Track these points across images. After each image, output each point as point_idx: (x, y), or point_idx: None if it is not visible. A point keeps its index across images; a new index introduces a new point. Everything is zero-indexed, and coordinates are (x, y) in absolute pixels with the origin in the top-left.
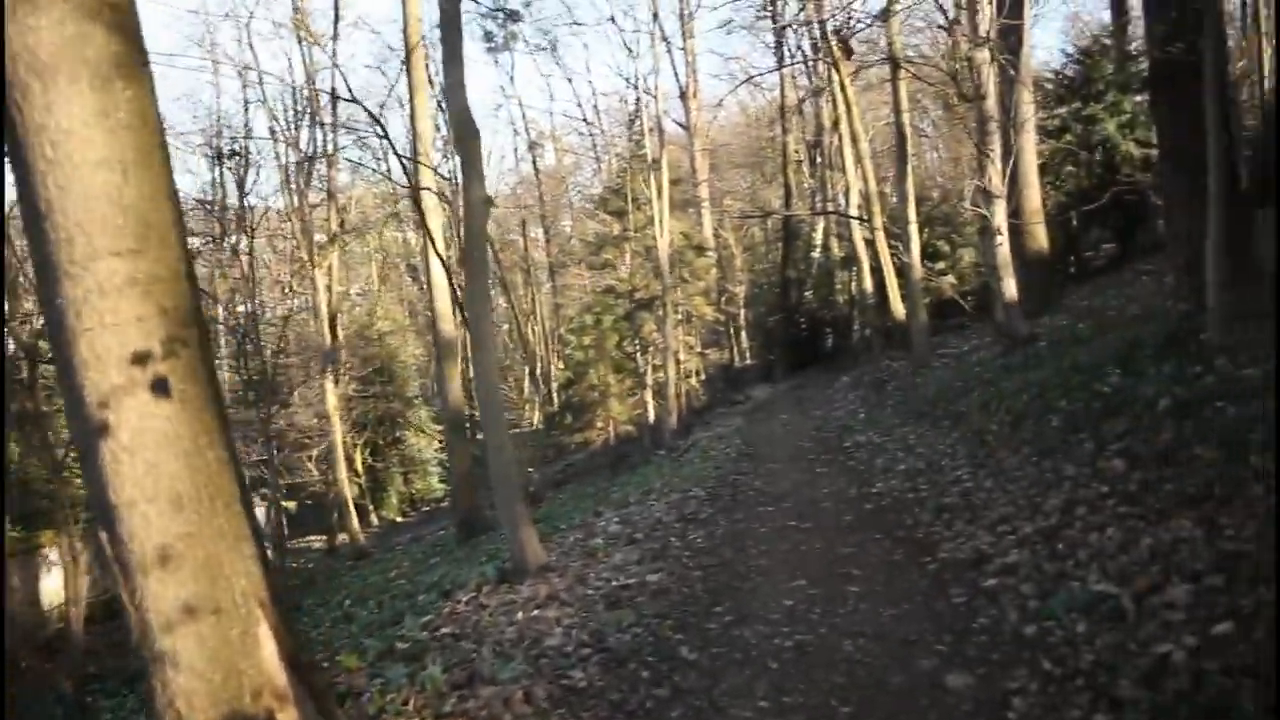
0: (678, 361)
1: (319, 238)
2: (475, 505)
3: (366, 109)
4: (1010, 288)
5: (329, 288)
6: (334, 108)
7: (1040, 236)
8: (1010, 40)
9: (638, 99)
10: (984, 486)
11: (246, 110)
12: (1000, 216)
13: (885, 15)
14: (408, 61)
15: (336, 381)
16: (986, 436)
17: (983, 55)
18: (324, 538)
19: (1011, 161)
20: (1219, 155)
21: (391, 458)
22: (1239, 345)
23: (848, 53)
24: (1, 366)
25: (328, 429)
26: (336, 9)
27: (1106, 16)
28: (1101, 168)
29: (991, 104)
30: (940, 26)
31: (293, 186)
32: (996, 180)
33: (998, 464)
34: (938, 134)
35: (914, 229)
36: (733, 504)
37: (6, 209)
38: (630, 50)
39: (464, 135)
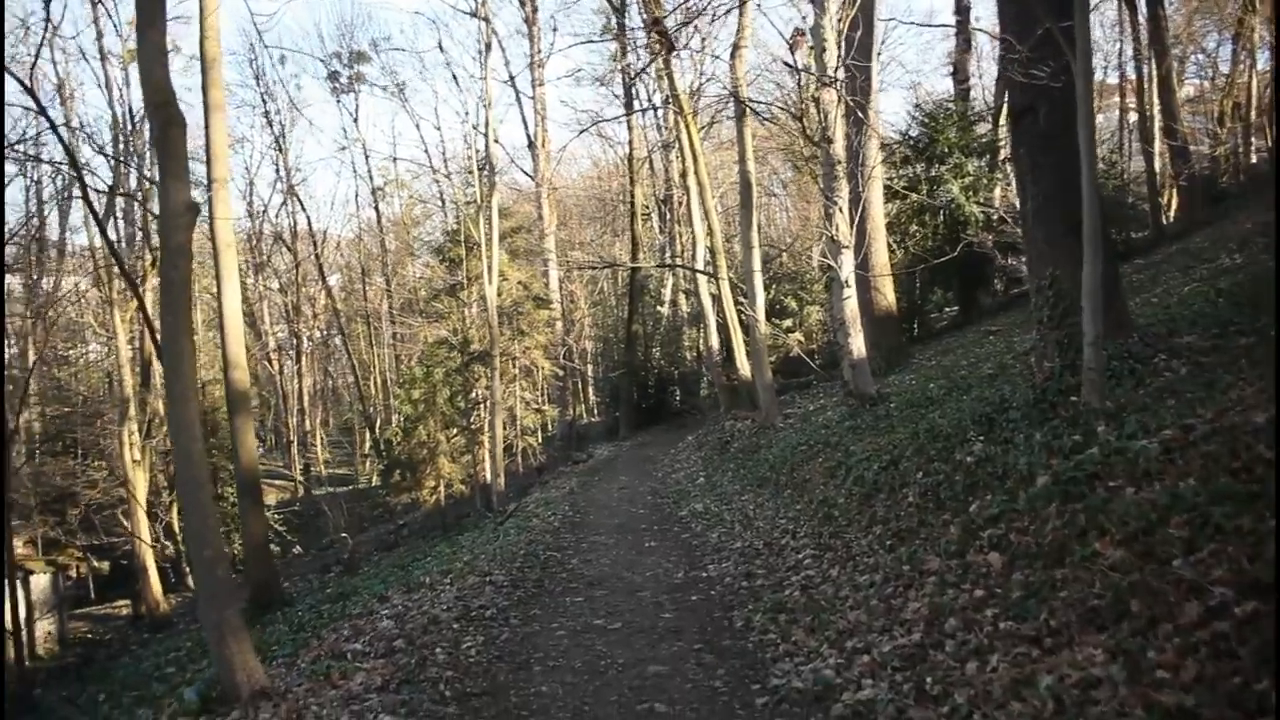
0: (513, 418)
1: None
2: (270, 578)
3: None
4: (858, 344)
5: (141, 333)
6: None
7: (888, 292)
8: (859, 81)
9: (483, 140)
10: (830, 577)
11: None
12: (848, 267)
13: (733, 53)
14: (204, 78)
15: (148, 434)
16: (833, 511)
17: (829, 96)
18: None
19: (860, 212)
20: (1092, 198)
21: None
22: (1119, 410)
23: (669, 46)
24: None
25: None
26: None
27: (945, 85)
28: (946, 228)
29: (839, 148)
30: (786, 64)
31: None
32: (844, 229)
33: (846, 547)
34: (786, 194)
35: (758, 278)
36: (536, 592)
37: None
38: (456, 80)
39: (165, 122)
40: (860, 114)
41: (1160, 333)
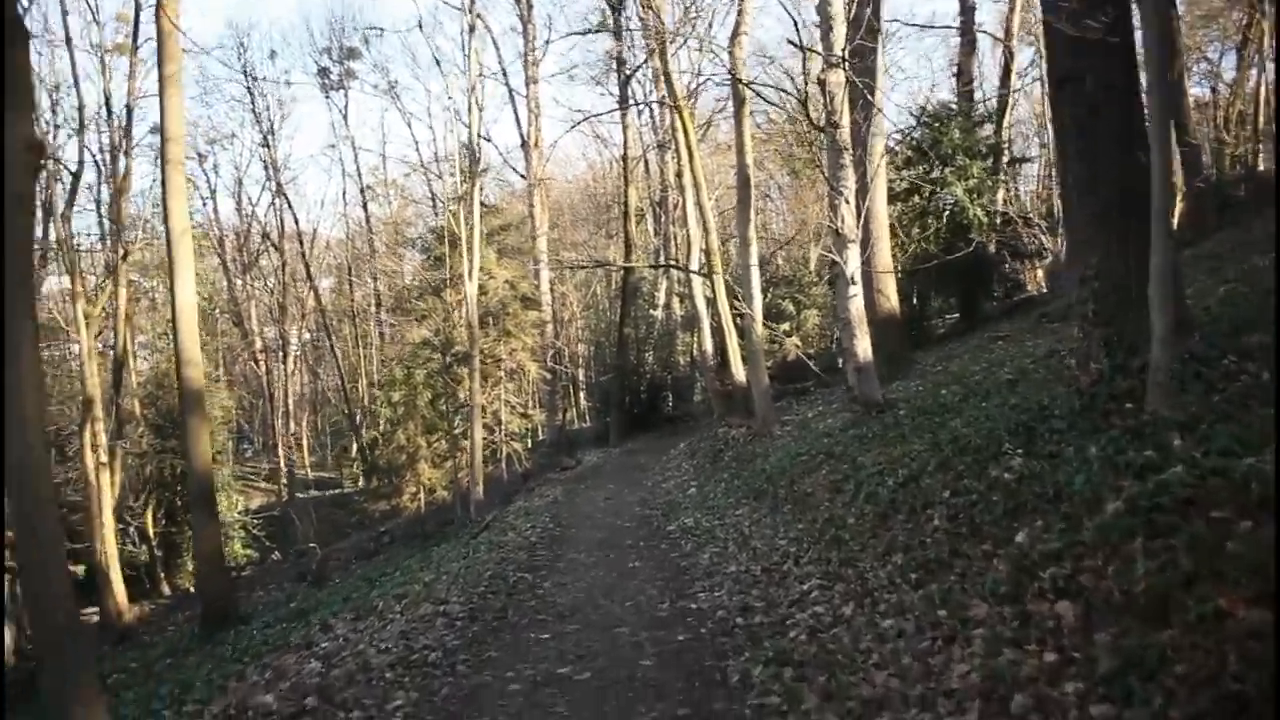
0: (499, 422)
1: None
2: (225, 592)
3: None
4: (864, 346)
5: (112, 329)
6: None
7: (891, 295)
8: (867, 61)
9: (466, 130)
10: (843, 617)
11: None
12: (854, 263)
13: (732, 38)
14: (160, 50)
15: (120, 435)
16: (842, 533)
17: (836, 77)
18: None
19: (866, 205)
20: (1163, 168)
21: (188, 521)
22: (1195, 420)
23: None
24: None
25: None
26: None
27: (942, 94)
28: (949, 231)
29: (846, 134)
30: (791, 43)
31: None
32: (850, 221)
33: (860, 579)
34: (782, 198)
35: (756, 275)
36: (496, 626)
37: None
38: (439, 65)
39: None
40: (868, 95)
41: (1224, 331)
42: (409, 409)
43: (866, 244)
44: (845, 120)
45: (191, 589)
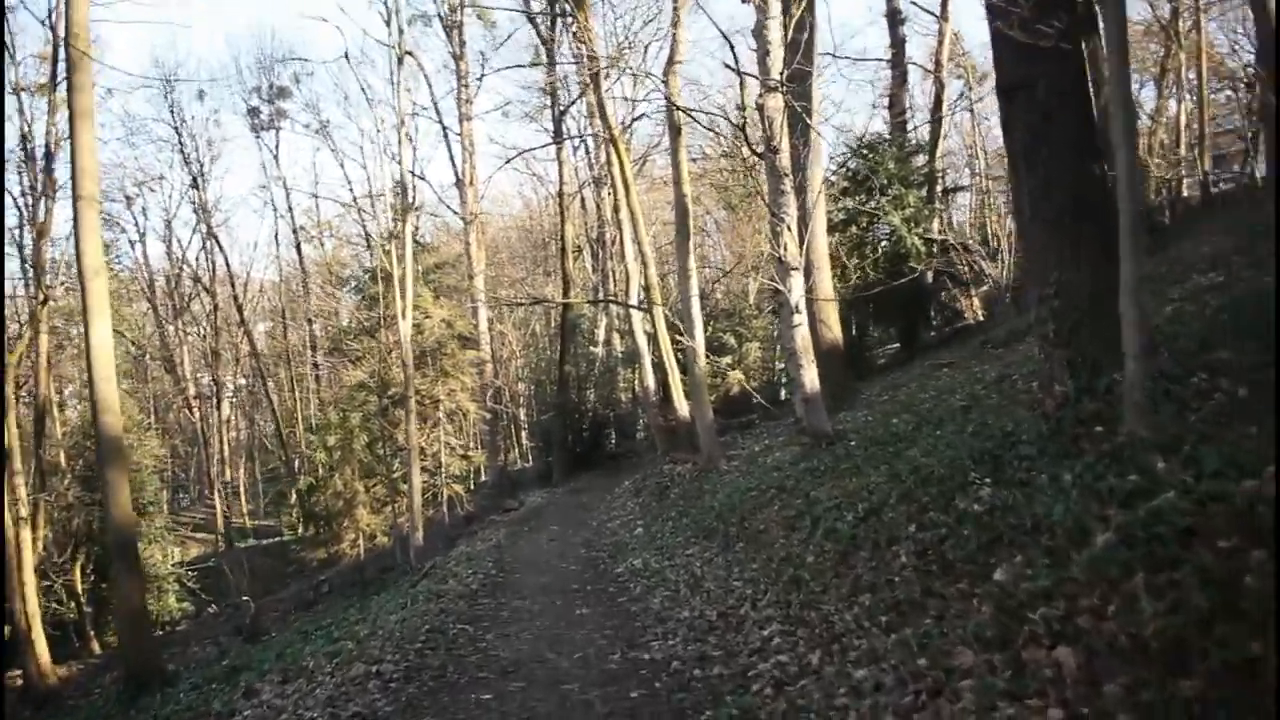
0: (439, 464)
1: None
2: (148, 653)
3: None
4: (811, 376)
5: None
6: None
7: (834, 325)
8: (804, 86)
9: (398, 166)
10: (811, 668)
11: None
12: (798, 291)
13: (667, 67)
14: (70, 78)
15: (44, 487)
16: (801, 572)
17: (775, 102)
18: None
19: (808, 232)
20: (1130, 177)
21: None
22: (1176, 441)
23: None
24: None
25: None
26: None
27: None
28: (887, 260)
29: (785, 158)
30: (728, 67)
31: None
32: (793, 248)
33: (825, 622)
34: (719, 232)
35: (697, 306)
36: (434, 687)
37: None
38: (368, 95)
39: None
40: (806, 119)
41: (1187, 349)
42: (345, 453)
43: (809, 272)
44: (785, 145)
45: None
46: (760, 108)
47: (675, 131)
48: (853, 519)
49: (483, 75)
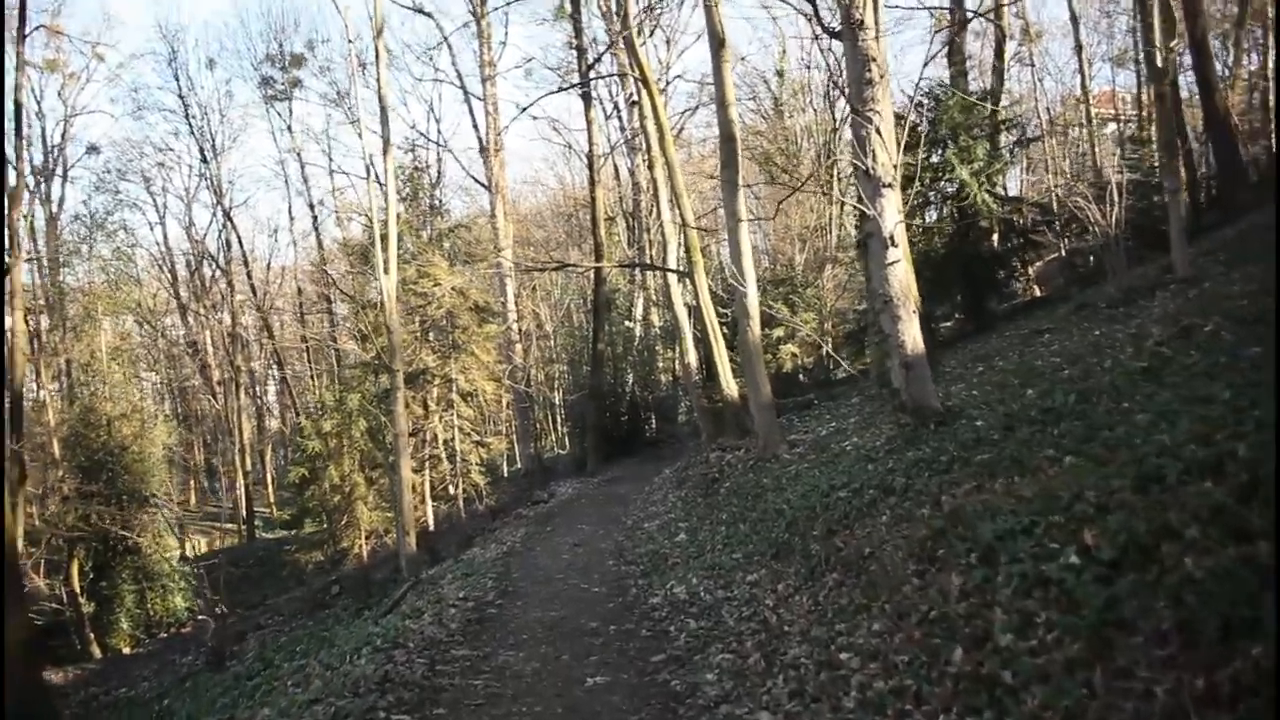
0: (453, 453)
1: None
2: (32, 705)
3: None
4: (912, 332)
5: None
6: None
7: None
8: None
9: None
10: None
11: None
12: (892, 216)
13: None
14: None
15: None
16: (989, 663)
17: None
18: None
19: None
20: None
21: (121, 573)
22: None
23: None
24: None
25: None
26: None
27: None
28: (954, 221)
29: (871, 41)
30: None
31: None
32: (884, 156)
33: None
34: (761, 209)
35: (748, 260)
36: None
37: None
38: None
39: None
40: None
41: None
42: (342, 441)
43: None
44: (869, 19)
45: (126, 649)
46: None
47: (718, 43)
48: (1080, 560)
49: (505, 39)
